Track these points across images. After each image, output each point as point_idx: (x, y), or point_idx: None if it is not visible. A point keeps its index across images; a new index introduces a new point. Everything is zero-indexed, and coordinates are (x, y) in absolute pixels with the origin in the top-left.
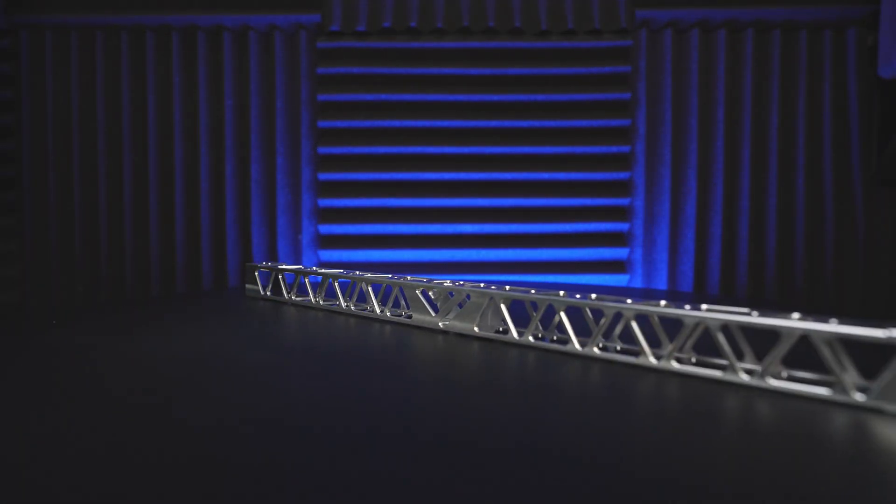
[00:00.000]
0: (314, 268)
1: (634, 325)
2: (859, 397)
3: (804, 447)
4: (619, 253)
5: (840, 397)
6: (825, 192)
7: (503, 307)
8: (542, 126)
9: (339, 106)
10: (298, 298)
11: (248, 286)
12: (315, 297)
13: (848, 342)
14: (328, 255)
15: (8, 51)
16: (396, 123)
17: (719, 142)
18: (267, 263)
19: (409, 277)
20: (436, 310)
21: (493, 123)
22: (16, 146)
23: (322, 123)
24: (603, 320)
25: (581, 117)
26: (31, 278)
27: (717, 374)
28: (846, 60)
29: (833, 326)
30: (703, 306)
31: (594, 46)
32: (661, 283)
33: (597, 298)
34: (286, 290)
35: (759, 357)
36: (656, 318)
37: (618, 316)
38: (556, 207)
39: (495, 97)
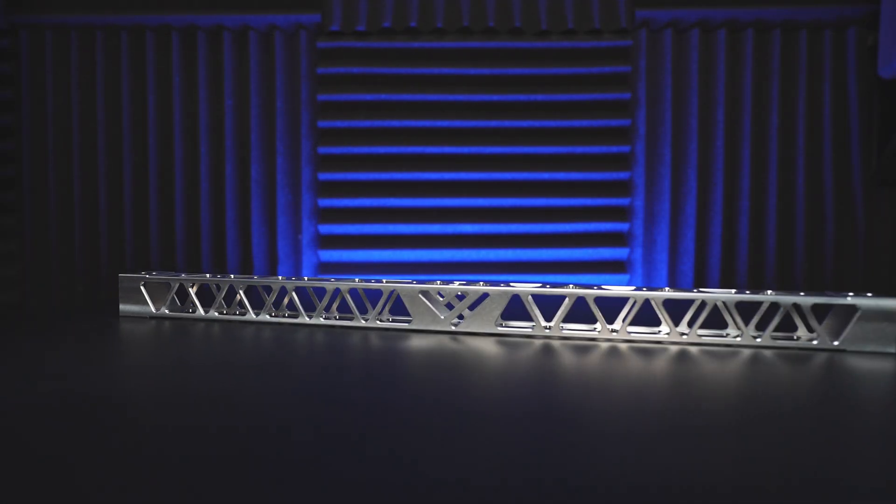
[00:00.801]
0: (208, 275)
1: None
2: (836, 344)
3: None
4: (619, 253)
5: (822, 345)
6: (825, 192)
7: (531, 300)
8: (541, 126)
9: (339, 106)
10: (204, 310)
11: (123, 306)
12: (219, 307)
13: (817, 308)
14: (328, 255)
15: (8, 51)
16: (396, 123)
17: (719, 142)
18: (152, 274)
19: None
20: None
21: (493, 123)
22: (16, 146)
23: (322, 123)
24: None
25: (581, 117)
26: (31, 278)
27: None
28: (846, 60)
29: (810, 297)
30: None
31: (594, 46)
32: (661, 283)
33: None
34: (198, 302)
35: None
36: (661, 302)
37: (642, 302)
38: (556, 207)
39: (495, 97)
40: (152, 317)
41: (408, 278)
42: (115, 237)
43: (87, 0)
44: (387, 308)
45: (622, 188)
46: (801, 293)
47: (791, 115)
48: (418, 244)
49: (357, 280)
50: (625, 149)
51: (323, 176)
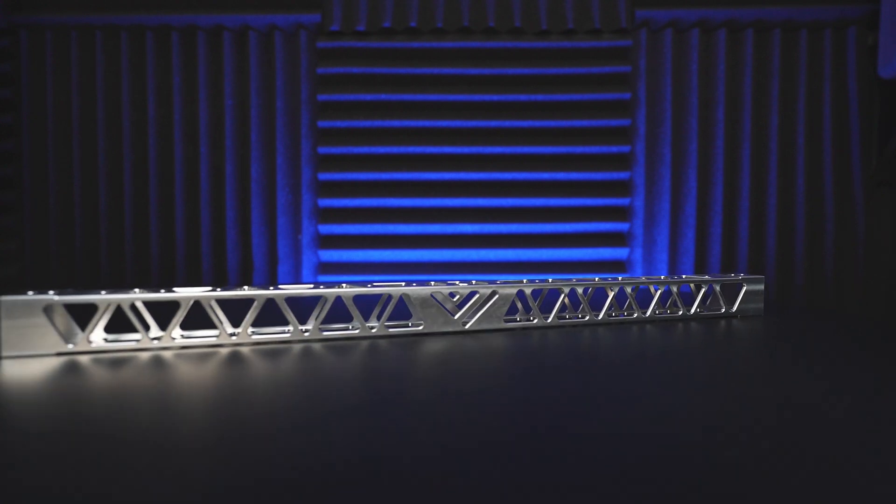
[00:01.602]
0: (134, 292)
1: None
2: (732, 311)
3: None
4: (619, 253)
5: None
6: (825, 192)
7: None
8: (542, 126)
9: (339, 106)
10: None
11: (6, 338)
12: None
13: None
14: (328, 255)
15: (8, 51)
16: (396, 123)
17: (719, 142)
18: (48, 294)
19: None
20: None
21: (493, 123)
22: (15, 146)
23: (322, 123)
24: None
25: (581, 117)
26: (31, 278)
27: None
28: (846, 60)
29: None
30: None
31: (594, 46)
32: None
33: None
34: (143, 327)
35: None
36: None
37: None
38: (557, 207)
39: (495, 97)
40: (61, 353)
41: (407, 279)
42: (115, 237)
43: (86, 0)
44: (386, 313)
45: (622, 188)
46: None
47: (791, 115)
48: (418, 244)
49: (345, 285)
50: (625, 149)
51: (323, 176)
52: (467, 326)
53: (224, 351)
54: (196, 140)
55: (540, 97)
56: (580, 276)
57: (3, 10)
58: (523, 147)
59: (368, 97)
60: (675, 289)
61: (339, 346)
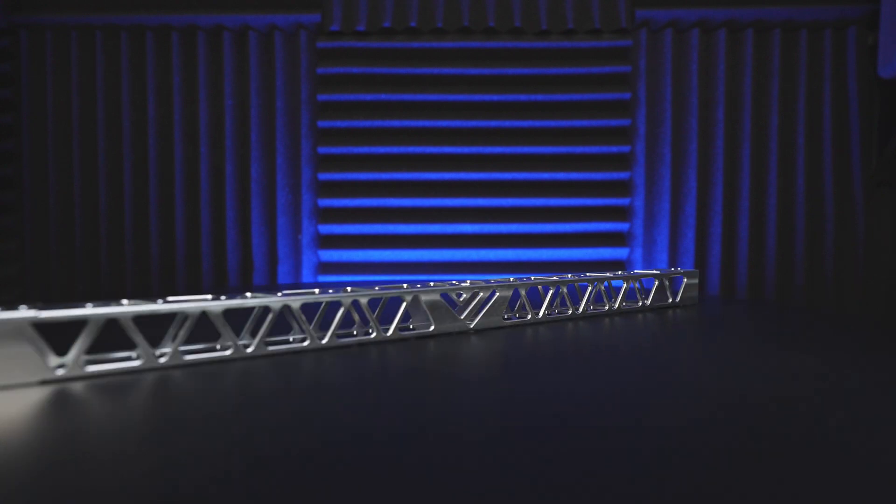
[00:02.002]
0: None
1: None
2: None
3: None
4: (619, 253)
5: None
6: (825, 192)
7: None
8: (542, 126)
9: (339, 106)
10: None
11: None
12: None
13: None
14: (328, 255)
15: (8, 50)
16: (396, 123)
17: (719, 142)
18: (35, 313)
19: (349, 288)
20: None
21: (493, 123)
22: (16, 146)
23: (322, 123)
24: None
25: (581, 117)
26: (31, 278)
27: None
28: (846, 60)
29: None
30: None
31: (594, 46)
32: None
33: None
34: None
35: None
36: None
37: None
38: (557, 207)
39: (495, 97)
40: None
41: (408, 279)
42: (115, 237)
43: (86, 0)
44: (398, 316)
45: (622, 188)
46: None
47: (791, 114)
48: (418, 244)
49: (349, 289)
50: (625, 149)
51: (323, 176)
52: (472, 326)
53: (239, 365)
54: (196, 140)
55: (540, 97)
56: (561, 275)
57: (3, 10)
58: (523, 147)
59: (368, 97)
60: (637, 284)
61: (358, 352)
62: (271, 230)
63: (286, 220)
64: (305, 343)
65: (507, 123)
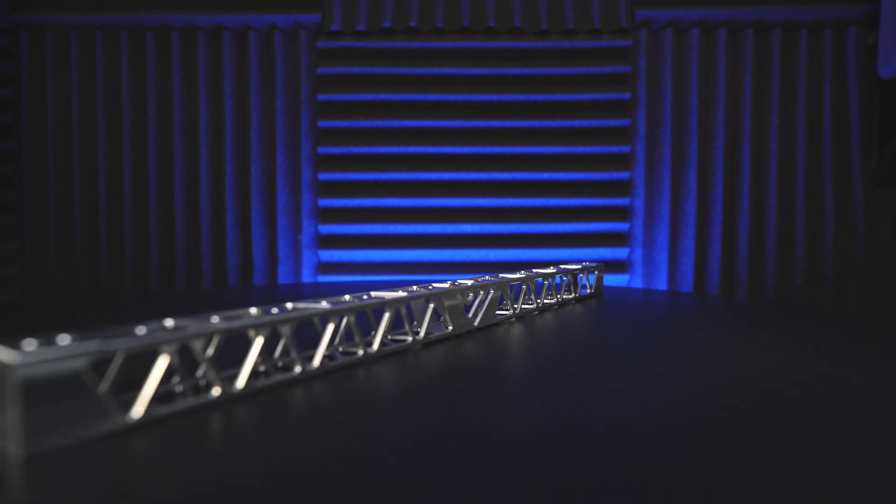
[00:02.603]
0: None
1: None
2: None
3: None
4: (619, 253)
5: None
6: (825, 192)
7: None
8: (542, 126)
9: (339, 106)
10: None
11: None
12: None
13: None
14: (328, 255)
15: (8, 50)
16: (396, 123)
17: (719, 142)
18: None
19: (415, 287)
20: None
21: (493, 123)
22: (15, 146)
23: (322, 123)
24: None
25: (581, 117)
26: (31, 278)
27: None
28: (846, 60)
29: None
30: None
31: (594, 46)
32: (661, 284)
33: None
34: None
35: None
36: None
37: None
38: (556, 207)
39: (495, 97)
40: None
41: (408, 279)
42: (115, 237)
43: (86, 0)
44: (426, 320)
45: (622, 188)
46: None
47: (791, 115)
48: (418, 244)
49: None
50: (625, 149)
51: (323, 176)
52: (476, 324)
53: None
54: (196, 140)
55: (540, 97)
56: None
57: (3, 10)
58: (523, 147)
59: (368, 97)
60: (566, 278)
61: (399, 358)
62: (271, 230)
63: (286, 220)
64: (359, 353)
65: (507, 123)
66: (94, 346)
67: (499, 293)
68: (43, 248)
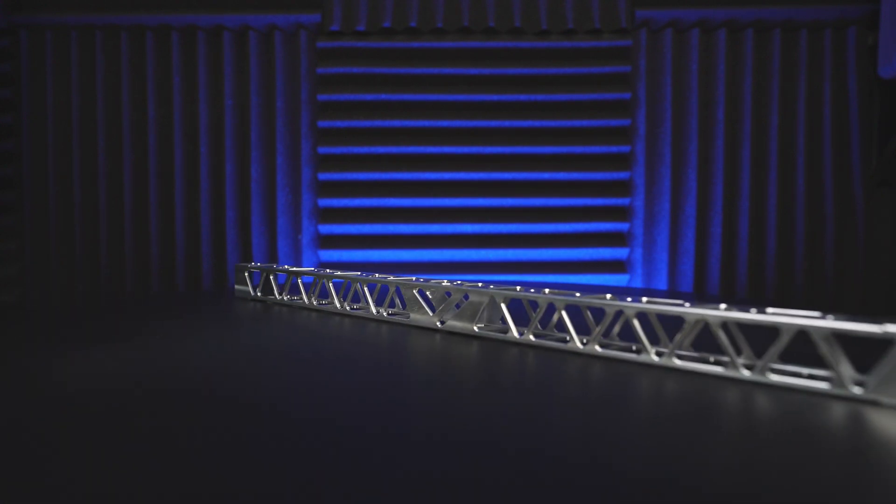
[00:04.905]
0: (308, 268)
1: (636, 322)
2: (857, 391)
3: (805, 441)
4: (619, 253)
5: (838, 391)
6: (825, 192)
7: (503, 306)
8: (542, 126)
9: (339, 106)
10: (291, 298)
11: (237, 287)
12: (309, 297)
13: (843, 338)
14: (328, 255)
15: (8, 50)
16: (396, 123)
17: (719, 141)
18: (257, 264)
19: (412, 277)
20: (433, 309)
21: (493, 123)
22: (16, 146)
23: (322, 123)
24: (605, 318)
25: (581, 117)
26: (31, 278)
27: (717, 370)
28: (846, 60)
29: (831, 322)
30: (703, 305)
31: (594, 46)
32: (661, 283)
33: (597, 297)
34: (277, 290)
35: (757, 353)
36: (655, 316)
37: (618, 314)
38: (556, 207)
39: (495, 97)
40: (254, 299)
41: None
42: (115, 237)
43: (86, 0)
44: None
45: (622, 188)
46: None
47: (791, 114)
48: (418, 244)
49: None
50: (625, 149)
51: (323, 176)
52: (438, 325)
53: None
54: (196, 140)
55: (540, 97)
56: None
57: (3, 10)
58: (523, 147)
59: (368, 97)
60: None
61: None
62: (271, 230)
63: (286, 220)
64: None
65: (507, 123)
66: None
67: (501, 302)
68: (43, 249)
